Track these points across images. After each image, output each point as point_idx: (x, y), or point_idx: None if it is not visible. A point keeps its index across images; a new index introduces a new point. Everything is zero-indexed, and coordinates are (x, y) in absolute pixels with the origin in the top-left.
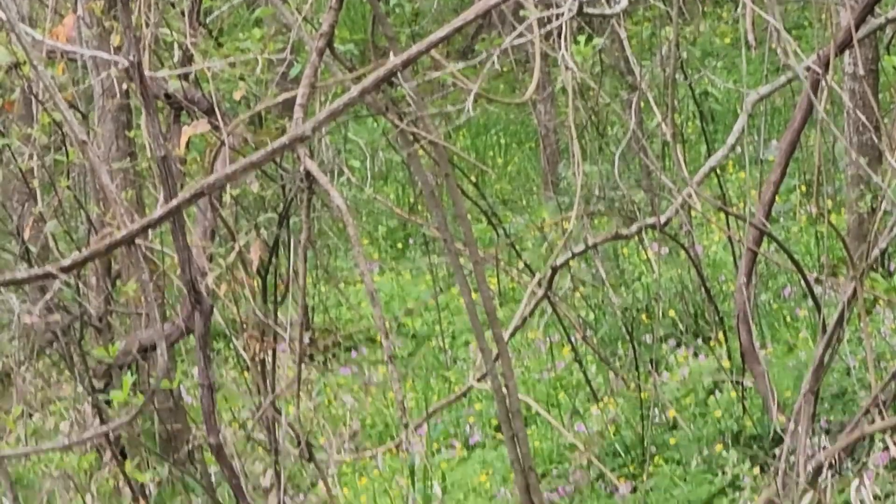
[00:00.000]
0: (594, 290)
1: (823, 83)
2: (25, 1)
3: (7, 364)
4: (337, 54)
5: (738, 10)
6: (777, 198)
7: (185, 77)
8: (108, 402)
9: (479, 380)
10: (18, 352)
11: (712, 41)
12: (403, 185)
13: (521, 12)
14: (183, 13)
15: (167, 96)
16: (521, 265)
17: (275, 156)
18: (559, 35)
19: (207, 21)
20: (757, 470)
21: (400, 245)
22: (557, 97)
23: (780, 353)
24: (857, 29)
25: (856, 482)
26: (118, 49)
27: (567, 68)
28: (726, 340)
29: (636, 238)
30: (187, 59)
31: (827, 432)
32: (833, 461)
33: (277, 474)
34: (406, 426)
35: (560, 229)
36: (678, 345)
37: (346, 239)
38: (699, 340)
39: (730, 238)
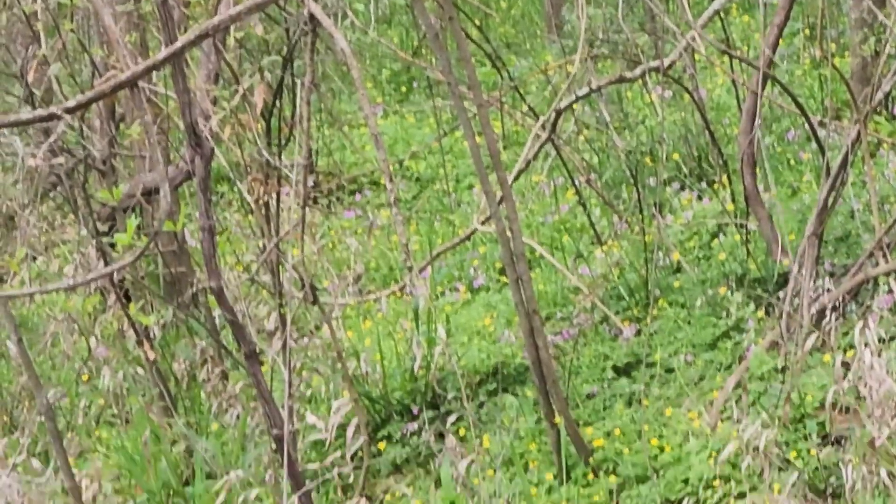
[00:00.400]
0: (598, 133)
1: None
2: None
3: (11, 207)
4: None
5: None
6: (781, 41)
7: None
8: (112, 245)
9: (483, 223)
10: (22, 194)
11: None
12: (407, 29)
13: None
14: None
15: None
16: (524, 108)
17: None
18: None
19: None
20: (761, 312)
21: (404, 88)
22: None
23: (783, 196)
24: None
25: (860, 324)
26: None
27: None
28: (730, 183)
29: (640, 81)
30: None
31: (831, 275)
32: (837, 304)
33: (282, 317)
34: (410, 269)
35: (564, 72)
36: (682, 188)
37: (350, 82)
38: (703, 183)
39: (733, 81)
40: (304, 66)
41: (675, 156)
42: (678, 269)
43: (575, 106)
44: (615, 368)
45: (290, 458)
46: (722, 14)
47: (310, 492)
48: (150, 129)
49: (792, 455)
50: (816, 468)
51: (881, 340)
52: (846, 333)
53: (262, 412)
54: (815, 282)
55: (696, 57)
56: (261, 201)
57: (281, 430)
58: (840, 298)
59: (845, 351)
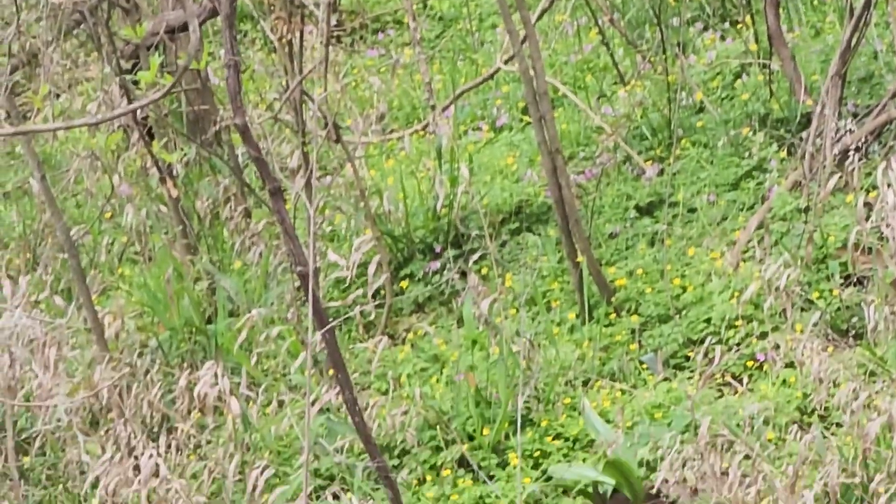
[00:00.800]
0: None
1: None
2: None
3: (34, 44)
4: None
5: None
6: None
7: None
8: (136, 83)
9: (506, 62)
10: (46, 32)
11: None
12: None
13: None
14: None
15: None
16: None
17: None
18: None
19: None
20: (784, 152)
21: None
22: None
23: (807, 37)
24: None
25: (882, 165)
26: None
27: None
28: (753, 24)
29: None
30: None
31: (854, 116)
32: (860, 144)
33: (305, 155)
34: (433, 108)
35: None
36: (705, 28)
37: None
38: (726, 24)
39: None
40: None
41: None
42: (701, 109)
43: None
44: (638, 208)
45: (313, 295)
46: None
47: (333, 329)
48: None
49: (814, 295)
50: (839, 308)
51: None
52: (869, 174)
53: (284, 250)
54: (837, 122)
55: None
56: (284, 40)
57: (305, 268)
58: (862, 139)
59: (868, 191)
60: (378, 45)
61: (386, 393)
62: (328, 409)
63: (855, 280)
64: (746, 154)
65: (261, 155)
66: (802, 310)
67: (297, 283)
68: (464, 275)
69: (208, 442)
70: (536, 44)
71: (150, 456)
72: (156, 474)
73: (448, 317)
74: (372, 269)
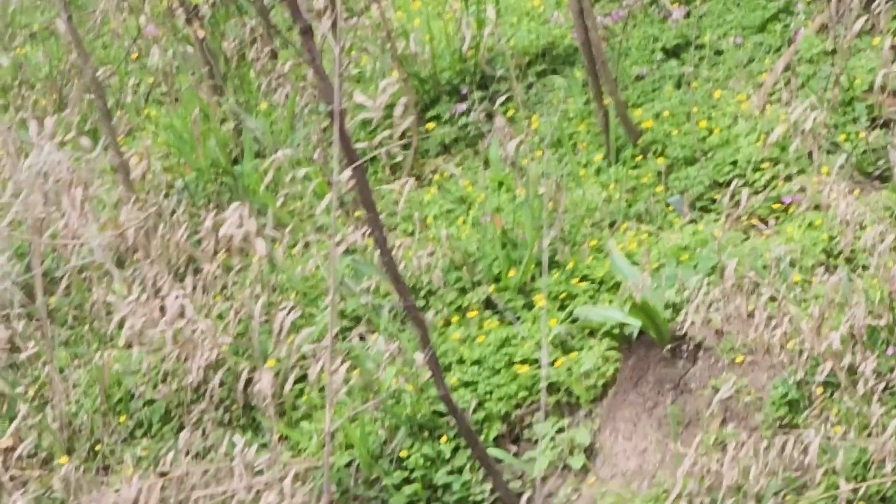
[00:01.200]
0: None
1: None
2: None
3: None
4: None
5: None
6: None
7: None
8: None
9: None
10: None
11: None
12: None
13: None
14: None
15: None
16: None
17: None
18: None
19: None
20: None
21: None
22: None
23: None
24: None
25: None
26: None
27: None
28: None
29: None
30: None
31: None
32: None
33: None
34: None
35: None
36: None
37: None
38: None
39: None
40: None
41: None
42: None
43: None
44: (664, 50)
45: (342, 131)
46: None
47: (362, 166)
48: None
49: (840, 138)
50: (865, 151)
51: None
52: (895, 17)
53: (311, 91)
54: None
55: None
56: None
57: (333, 105)
58: None
59: (895, 34)
60: None
61: (412, 234)
62: (354, 250)
63: (881, 122)
64: None
65: None
66: (828, 152)
67: (324, 124)
68: (490, 116)
69: (234, 283)
70: None
71: (176, 297)
72: (182, 315)
73: (474, 158)
74: (398, 110)
